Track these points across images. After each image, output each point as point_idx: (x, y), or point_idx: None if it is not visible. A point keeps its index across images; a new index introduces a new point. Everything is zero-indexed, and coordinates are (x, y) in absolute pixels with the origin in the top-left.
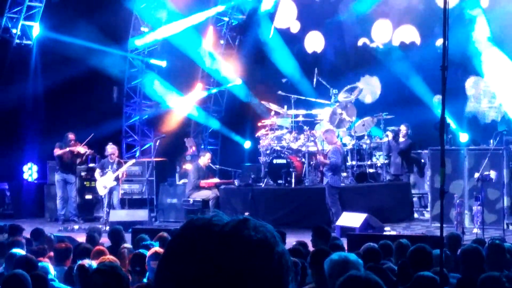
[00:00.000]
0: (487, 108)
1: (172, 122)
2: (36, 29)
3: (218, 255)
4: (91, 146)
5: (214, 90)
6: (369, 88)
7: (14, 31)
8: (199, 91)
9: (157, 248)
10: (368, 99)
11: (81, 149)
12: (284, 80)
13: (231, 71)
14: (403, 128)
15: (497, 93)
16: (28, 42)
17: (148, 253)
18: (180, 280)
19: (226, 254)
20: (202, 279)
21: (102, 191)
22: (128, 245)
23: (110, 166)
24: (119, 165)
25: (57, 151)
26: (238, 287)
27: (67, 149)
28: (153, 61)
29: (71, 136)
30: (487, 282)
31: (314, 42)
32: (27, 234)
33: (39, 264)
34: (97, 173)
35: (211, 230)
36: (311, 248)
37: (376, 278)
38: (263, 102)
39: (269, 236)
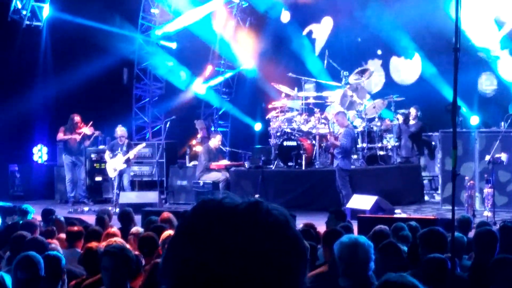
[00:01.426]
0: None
1: (183, 104)
2: (46, 10)
3: (229, 237)
4: (101, 127)
5: (228, 74)
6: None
7: (24, 12)
8: (209, 73)
9: (170, 231)
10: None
11: (87, 130)
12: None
13: (242, 53)
14: (413, 111)
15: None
16: (38, 23)
17: (162, 236)
18: (189, 261)
19: (238, 236)
20: (212, 261)
21: (112, 173)
22: (138, 228)
23: (120, 148)
24: (129, 147)
25: (60, 136)
26: (250, 270)
27: (70, 136)
28: (163, 42)
29: (76, 118)
30: (501, 263)
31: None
32: (37, 216)
33: (49, 246)
34: (107, 155)
35: (223, 212)
36: (318, 230)
37: (413, 280)
38: (273, 84)
39: (282, 219)
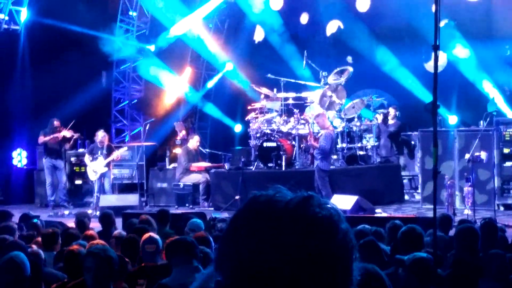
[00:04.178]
0: None
1: (162, 106)
2: (24, 13)
3: (282, 232)
4: (80, 130)
5: (210, 83)
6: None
7: (1, 16)
8: (189, 74)
9: (151, 233)
10: None
11: (67, 133)
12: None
13: (220, 54)
14: (392, 111)
15: None
16: (16, 27)
17: (143, 238)
18: (242, 257)
19: (290, 230)
20: (265, 256)
21: (92, 176)
22: (121, 231)
23: (100, 151)
24: (109, 149)
25: (41, 139)
26: (302, 264)
27: (51, 136)
28: (142, 45)
29: (56, 122)
30: (492, 258)
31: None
32: (16, 220)
33: (30, 250)
34: (87, 158)
35: (275, 207)
36: None
37: (383, 275)
38: (252, 85)
39: (333, 213)
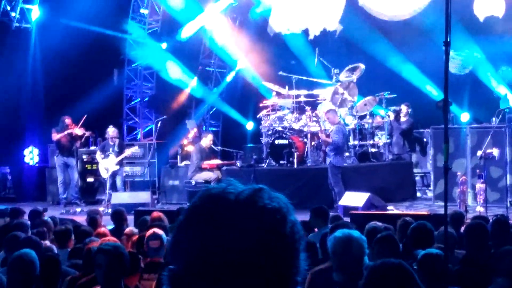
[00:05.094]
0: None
1: (173, 104)
2: (35, 12)
3: (232, 223)
4: (92, 128)
5: (223, 81)
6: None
7: (13, 14)
8: (201, 72)
9: (155, 229)
10: None
11: (78, 131)
12: (292, 62)
13: (232, 52)
14: (404, 108)
15: None
16: (27, 25)
17: (147, 234)
18: (194, 246)
19: (240, 221)
20: (216, 247)
21: (104, 173)
22: (133, 228)
23: (111, 149)
24: (121, 147)
25: (55, 136)
26: (251, 254)
27: (65, 132)
28: (154, 43)
29: (67, 120)
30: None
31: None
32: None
33: (44, 246)
34: (98, 155)
35: (226, 198)
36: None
37: (408, 267)
38: (264, 83)
39: (282, 205)
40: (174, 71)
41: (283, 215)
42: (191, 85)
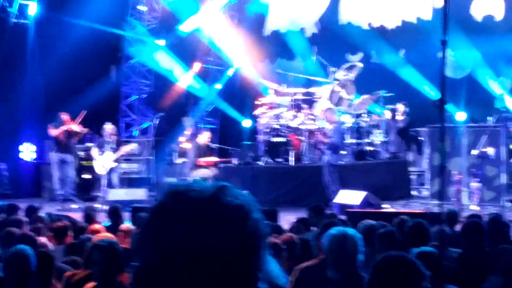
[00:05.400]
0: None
1: (171, 101)
2: (33, 7)
3: (196, 220)
4: (89, 125)
5: (221, 79)
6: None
7: (10, 10)
8: (199, 69)
9: None
10: None
11: (76, 127)
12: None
13: (230, 49)
14: (400, 107)
15: None
16: (25, 21)
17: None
18: (159, 243)
19: (204, 219)
20: (180, 243)
21: (101, 170)
22: (129, 224)
23: (108, 146)
24: (118, 144)
25: (54, 131)
26: (214, 251)
27: (64, 127)
28: (152, 39)
29: (64, 116)
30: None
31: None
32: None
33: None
34: (95, 151)
35: (190, 196)
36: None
37: (413, 258)
38: (262, 80)
39: (246, 204)
40: (165, 62)
41: (245, 212)
42: (188, 82)
